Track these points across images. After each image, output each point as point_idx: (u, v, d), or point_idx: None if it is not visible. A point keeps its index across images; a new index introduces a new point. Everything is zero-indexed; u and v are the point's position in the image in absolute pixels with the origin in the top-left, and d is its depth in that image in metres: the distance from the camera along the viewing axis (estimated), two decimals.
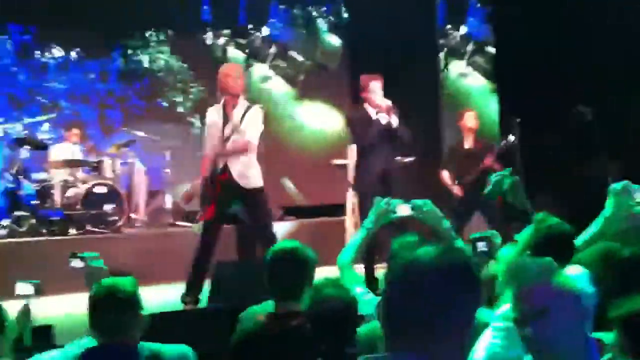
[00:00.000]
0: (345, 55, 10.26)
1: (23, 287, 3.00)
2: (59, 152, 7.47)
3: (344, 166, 7.11)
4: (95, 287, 2.42)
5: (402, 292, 1.22)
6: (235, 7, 9.60)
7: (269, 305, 2.71)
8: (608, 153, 6.87)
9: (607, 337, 1.59)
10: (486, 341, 2.21)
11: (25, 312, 2.96)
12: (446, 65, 10.43)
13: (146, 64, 9.14)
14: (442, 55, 10.28)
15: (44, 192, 7.00)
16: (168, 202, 7.93)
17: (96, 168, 7.29)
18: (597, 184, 6.55)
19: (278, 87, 9.93)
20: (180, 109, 9.31)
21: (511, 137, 6.40)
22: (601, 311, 1.67)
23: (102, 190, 6.90)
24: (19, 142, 7.01)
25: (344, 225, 7.00)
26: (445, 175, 6.74)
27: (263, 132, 5.28)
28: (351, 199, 6.93)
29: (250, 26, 9.77)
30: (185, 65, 9.34)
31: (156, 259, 6.25)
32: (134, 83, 9.04)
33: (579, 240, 2.48)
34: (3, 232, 6.56)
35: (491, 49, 10.47)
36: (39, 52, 8.60)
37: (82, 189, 6.91)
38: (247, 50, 9.62)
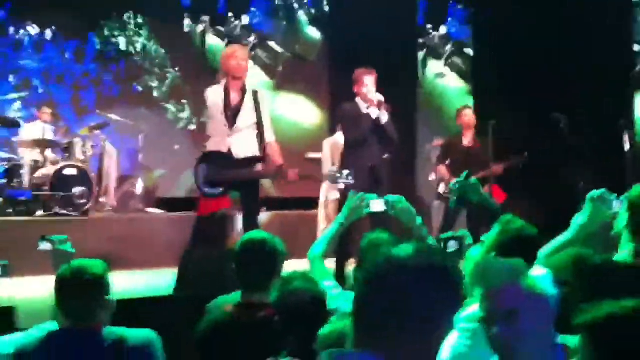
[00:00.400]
0: (324, 49, 10.25)
1: None
2: (29, 131, 7.34)
3: (319, 160, 7.10)
4: (63, 268, 2.38)
5: (376, 289, 1.21)
6: None
7: (236, 296, 2.69)
8: (580, 158, 6.96)
9: (573, 341, 1.60)
10: (452, 342, 2.21)
11: None
12: (424, 64, 10.48)
13: (123, 47, 9.01)
14: (421, 54, 10.33)
15: (13, 171, 6.88)
16: (139, 187, 7.85)
17: (67, 149, 7.18)
18: (569, 189, 6.66)
19: (256, 77, 9.87)
20: (155, 94, 9.21)
21: (525, 154, 6.45)
22: (566, 316, 1.68)
23: (72, 172, 6.79)
24: None
25: (316, 219, 7.00)
26: (442, 169, 6.74)
27: None
28: (324, 193, 6.93)
29: (230, 14, 9.69)
30: (163, 50, 9.24)
31: (124, 244, 6.17)
32: (110, 65, 8.92)
33: (550, 246, 2.50)
34: None
35: (469, 51, 10.56)
36: (13, 28, 8.43)
37: (51, 170, 6.79)
38: (226, 39, 9.54)
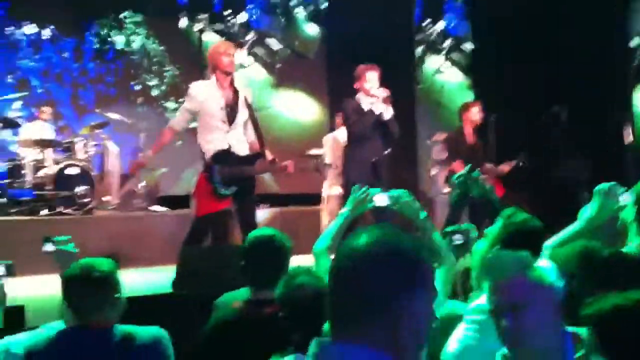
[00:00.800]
0: (323, 45, 10.25)
1: None
2: (30, 130, 7.34)
3: (319, 156, 7.11)
4: (72, 267, 2.39)
5: (337, 280, 1.20)
6: None
7: (244, 292, 2.70)
8: (580, 152, 6.98)
9: (583, 331, 1.61)
10: (460, 334, 2.22)
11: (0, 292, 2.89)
12: (423, 59, 10.48)
13: (122, 45, 9.01)
14: (419, 49, 10.32)
15: (15, 171, 6.88)
16: (141, 185, 7.85)
17: (68, 148, 7.19)
18: (568, 183, 6.69)
19: (255, 74, 9.88)
20: (154, 92, 9.20)
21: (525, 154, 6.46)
22: (573, 308, 1.69)
23: (74, 171, 6.80)
24: None
25: (318, 215, 7.01)
26: (459, 166, 6.66)
27: None
28: (327, 189, 6.94)
29: (228, 12, 9.68)
30: (161, 48, 9.23)
31: (127, 242, 6.18)
32: (109, 64, 8.91)
33: (556, 238, 2.51)
34: None
35: (469, 46, 10.56)
36: (11, 28, 8.42)
37: (53, 169, 6.80)
38: (224, 37, 9.53)
